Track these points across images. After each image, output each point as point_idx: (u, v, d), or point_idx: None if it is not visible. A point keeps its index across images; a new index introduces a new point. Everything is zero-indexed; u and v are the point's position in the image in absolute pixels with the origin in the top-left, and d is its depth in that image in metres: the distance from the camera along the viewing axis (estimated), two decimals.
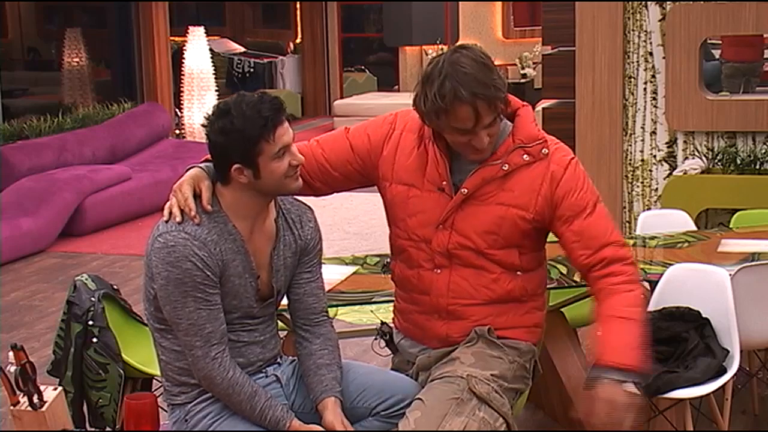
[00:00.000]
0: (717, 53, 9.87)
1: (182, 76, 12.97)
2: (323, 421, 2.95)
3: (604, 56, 6.37)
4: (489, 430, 2.88)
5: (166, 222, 2.89)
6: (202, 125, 2.92)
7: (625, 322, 2.90)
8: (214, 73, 13.11)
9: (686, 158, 6.32)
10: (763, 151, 6.14)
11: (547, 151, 2.99)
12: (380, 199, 3.19)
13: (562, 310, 4.20)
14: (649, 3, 6.31)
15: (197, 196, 2.90)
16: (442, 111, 2.84)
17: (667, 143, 6.38)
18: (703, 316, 3.79)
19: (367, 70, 18.06)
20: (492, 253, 2.99)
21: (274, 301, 3.08)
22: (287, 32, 18.31)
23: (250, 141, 2.81)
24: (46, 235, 8.43)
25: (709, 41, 7.02)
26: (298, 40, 17.71)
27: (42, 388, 3.05)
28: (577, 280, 3.98)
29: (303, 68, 17.17)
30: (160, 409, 3.26)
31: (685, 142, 6.33)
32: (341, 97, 16.65)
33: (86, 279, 3.87)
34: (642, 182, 6.45)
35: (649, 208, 6.34)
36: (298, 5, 17.63)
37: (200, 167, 2.96)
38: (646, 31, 6.33)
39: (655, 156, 6.42)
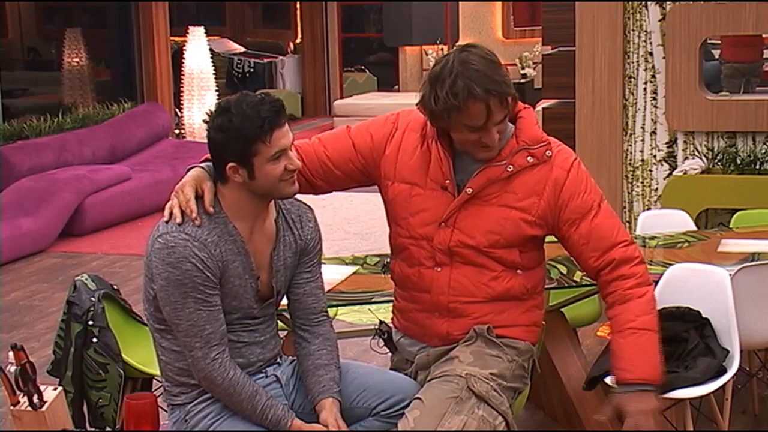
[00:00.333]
0: (717, 53, 9.87)
1: (182, 76, 12.98)
2: (319, 420, 2.96)
3: (604, 56, 6.37)
4: (488, 428, 2.88)
5: (167, 222, 2.88)
6: (204, 121, 2.91)
7: (643, 333, 2.99)
8: (214, 73, 13.11)
9: (686, 158, 6.32)
10: (763, 151, 6.14)
11: (550, 153, 3.01)
12: (380, 199, 3.20)
13: (562, 310, 4.20)
14: (649, 3, 6.31)
15: (199, 198, 2.90)
16: (454, 109, 2.86)
17: (667, 143, 6.38)
18: (703, 316, 3.79)
19: (367, 70, 18.07)
20: (493, 252, 3.00)
21: (274, 302, 3.08)
22: (287, 32, 18.31)
23: (247, 140, 2.80)
24: (46, 235, 8.43)
25: (708, 41, 7.02)
26: (298, 40, 17.71)
27: (42, 388, 3.06)
28: (577, 280, 3.99)
29: (303, 68, 17.17)
30: (160, 409, 3.26)
31: (685, 142, 6.33)
32: (341, 97, 16.65)
33: (86, 279, 3.87)
34: (642, 182, 6.45)
35: (649, 208, 6.34)
36: (298, 5, 17.64)
37: (202, 167, 2.96)
38: (646, 31, 6.33)
39: (655, 156, 6.42)
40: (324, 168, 3.16)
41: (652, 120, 6.38)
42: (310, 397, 3.03)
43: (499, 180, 2.99)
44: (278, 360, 3.12)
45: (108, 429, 3.80)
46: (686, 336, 3.73)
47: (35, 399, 3.02)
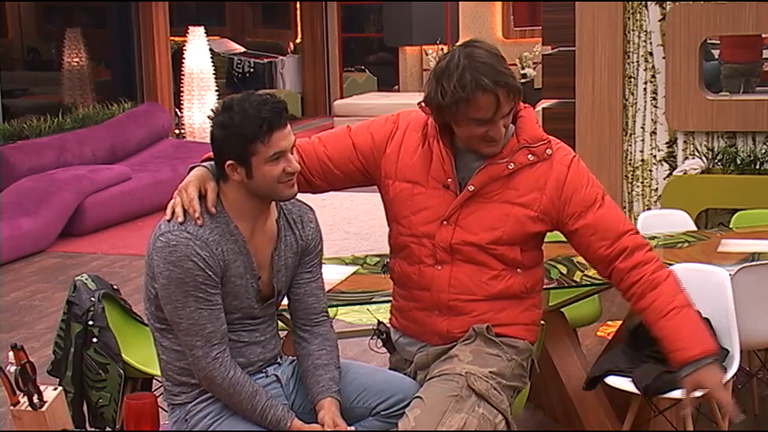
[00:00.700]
0: (716, 53, 9.87)
1: (182, 76, 12.98)
2: (317, 420, 2.96)
3: (604, 56, 6.37)
4: (488, 426, 2.89)
5: (168, 221, 2.88)
6: (208, 117, 2.92)
7: (687, 311, 3.00)
8: (214, 73, 13.11)
9: (686, 158, 6.33)
10: (763, 151, 6.15)
11: (550, 151, 3.03)
12: (380, 199, 3.20)
13: (562, 310, 4.20)
14: (649, 3, 6.31)
15: (202, 198, 2.91)
16: (463, 101, 2.87)
17: (667, 143, 6.38)
18: (703, 316, 3.78)
19: (367, 70, 18.07)
20: (494, 249, 3.01)
21: (275, 302, 3.08)
22: (287, 32, 18.32)
23: (245, 139, 2.80)
24: (46, 235, 8.44)
25: (708, 41, 7.02)
26: (298, 40, 17.71)
27: (42, 388, 3.05)
28: (577, 280, 3.99)
29: (303, 68, 17.17)
30: (160, 409, 3.26)
31: (685, 142, 6.33)
32: (341, 97, 16.65)
33: (86, 279, 3.87)
34: (642, 182, 6.45)
35: (649, 208, 6.35)
36: (298, 5, 17.64)
37: (204, 167, 2.96)
38: (646, 31, 6.33)
39: (655, 156, 6.42)
40: (324, 168, 3.16)
41: (652, 120, 6.39)
42: (310, 397, 3.03)
43: (500, 177, 3.00)
44: (278, 360, 3.12)
45: (108, 429, 3.80)
46: None
47: (35, 399, 3.02)
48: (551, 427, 4.45)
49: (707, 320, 3.76)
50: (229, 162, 2.85)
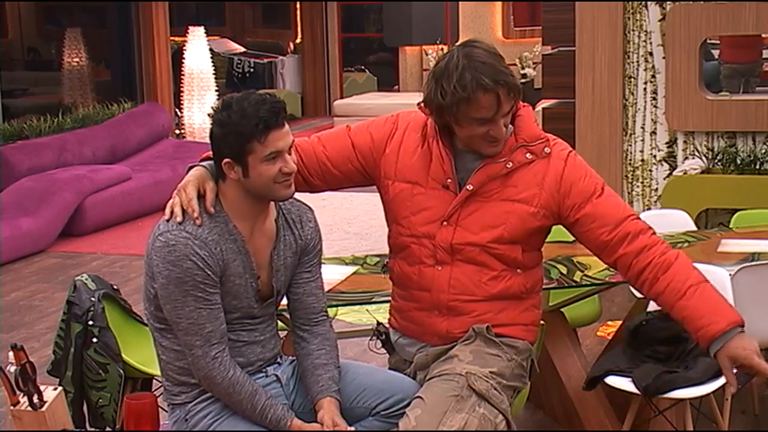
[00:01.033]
0: (716, 53, 9.87)
1: (182, 76, 12.98)
2: (317, 419, 2.96)
3: (604, 56, 6.37)
4: (489, 426, 2.89)
5: (167, 221, 2.89)
6: (208, 115, 2.92)
7: (704, 286, 2.93)
8: (214, 73, 13.11)
9: (686, 158, 6.33)
10: (763, 151, 6.15)
11: (549, 150, 3.03)
12: (380, 199, 3.20)
13: (562, 310, 4.20)
14: (649, 3, 6.31)
15: (201, 197, 2.91)
16: (463, 101, 2.87)
17: (667, 143, 6.38)
18: None
19: (367, 70, 18.07)
20: (495, 248, 3.01)
21: (274, 301, 3.08)
22: (287, 32, 18.32)
23: (242, 138, 2.81)
24: (46, 235, 8.43)
25: (708, 41, 7.02)
26: (298, 40, 17.71)
27: (42, 388, 3.06)
28: (577, 280, 3.99)
29: (303, 68, 17.17)
30: (160, 409, 3.26)
31: (685, 142, 6.33)
32: (341, 97, 16.65)
33: (86, 279, 3.87)
34: (642, 182, 6.45)
35: (649, 208, 6.34)
36: (298, 5, 17.64)
37: (203, 166, 2.97)
38: (646, 31, 6.33)
39: (655, 156, 6.42)
40: (322, 167, 3.16)
41: (652, 120, 6.39)
42: (310, 397, 3.03)
43: (498, 176, 3.00)
44: (278, 360, 3.12)
45: (108, 429, 3.80)
46: (686, 336, 3.73)
47: (35, 399, 3.02)
48: (551, 427, 4.45)
49: None
50: (226, 160, 2.85)
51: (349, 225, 9.03)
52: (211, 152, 2.94)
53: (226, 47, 16.70)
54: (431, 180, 3.04)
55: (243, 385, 2.91)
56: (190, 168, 3.00)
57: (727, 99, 6.57)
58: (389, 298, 3.32)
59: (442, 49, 15.15)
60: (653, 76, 6.35)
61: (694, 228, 5.09)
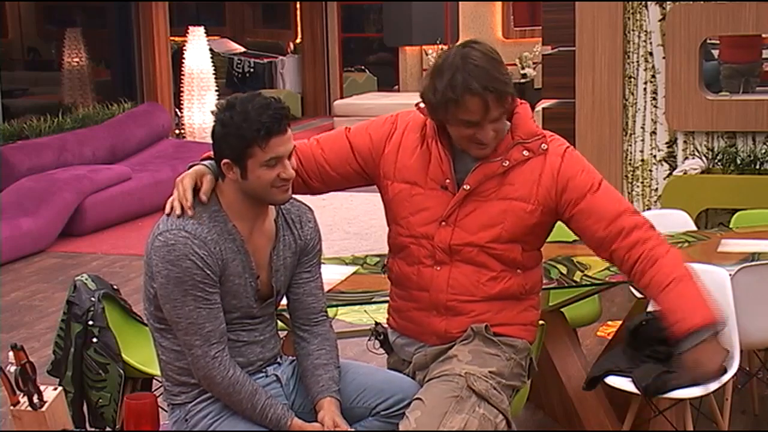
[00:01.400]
0: (716, 53, 9.87)
1: (182, 76, 12.97)
2: (317, 419, 2.96)
3: (604, 56, 6.38)
4: (489, 426, 2.89)
5: (167, 218, 2.89)
6: (212, 112, 2.91)
7: (686, 282, 2.93)
8: (214, 73, 13.11)
9: (686, 158, 6.33)
10: (763, 151, 6.15)
11: (546, 146, 3.03)
12: (380, 199, 3.20)
13: (562, 310, 4.20)
14: (649, 3, 6.31)
15: (197, 190, 2.91)
16: (452, 102, 2.87)
17: (667, 143, 6.39)
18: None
19: (367, 70, 18.06)
20: (494, 248, 3.00)
21: (274, 301, 3.08)
22: (287, 32, 18.31)
23: (243, 141, 2.81)
24: (46, 235, 8.43)
25: (708, 41, 7.02)
26: (298, 40, 17.71)
27: (42, 388, 3.05)
28: (577, 280, 3.99)
29: (303, 68, 17.17)
30: (160, 409, 3.26)
31: (685, 142, 6.33)
32: (341, 97, 16.64)
33: (86, 279, 3.87)
34: (642, 182, 6.45)
35: (649, 208, 6.34)
36: (298, 5, 17.63)
37: (204, 164, 2.97)
38: (646, 31, 6.33)
39: (655, 156, 6.42)
40: (321, 170, 3.17)
41: (652, 120, 6.39)
42: (310, 397, 3.03)
43: (495, 175, 3.00)
44: (278, 360, 3.12)
45: (108, 429, 3.80)
46: None
47: (35, 399, 3.02)
48: (551, 427, 4.45)
49: None
50: (225, 160, 2.85)
51: (349, 225, 9.03)
52: (212, 151, 2.94)
53: (226, 47, 16.69)
54: (430, 180, 3.04)
55: (243, 385, 2.91)
56: (191, 167, 3.00)
57: (727, 99, 6.57)
58: (389, 298, 3.32)
59: (441, 49, 15.14)
60: (653, 76, 6.35)
61: (694, 228, 5.09)
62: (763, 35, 8.93)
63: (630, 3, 6.33)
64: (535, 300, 3.16)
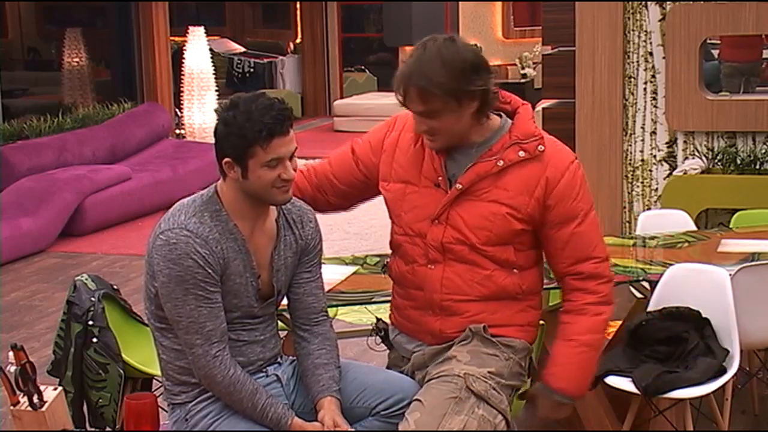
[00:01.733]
0: (716, 53, 9.87)
1: (182, 76, 12.97)
2: (317, 419, 2.96)
3: (604, 56, 6.37)
4: (488, 427, 2.89)
5: (168, 220, 2.89)
6: (215, 110, 2.92)
7: (587, 351, 3.07)
8: (214, 73, 13.10)
9: (686, 158, 6.33)
10: (763, 151, 6.14)
11: (543, 147, 3.00)
12: (380, 199, 3.23)
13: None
14: (649, 3, 6.31)
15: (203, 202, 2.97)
16: (399, 87, 2.94)
17: (667, 143, 6.38)
18: (703, 316, 3.79)
19: (367, 70, 18.06)
20: (485, 249, 3.00)
21: (275, 301, 3.08)
22: (287, 32, 18.31)
23: (245, 141, 2.82)
24: (46, 235, 8.43)
25: (708, 41, 7.02)
26: (298, 40, 17.71)
27: (42, 388, 3.06)
28: None
29: (303, 68, 17.17)
30: (160, 409, 3.26)
31: (685, 142, 6.33)
32: (341, 97, 16.65)
33: (86, 279, 3.87)
34: (642, 182, 6.45)
35: (649, 208, 6.34)
36: (298, 5, 17.63)
37: None
38: (646, 31, 6.33)
39: (655, 156, 6.42)
40: (332, 185, 3.26)
41: (652, 120, 6.38)
42: (310, 397, 3.03)
43: (489, 175, 2.99)
44: (279, 359, 3.12)
45: (108, 429, 3.80)
46: (686, 336, 3.74)
47: (35, 399, 3.02)
48: (551, 427, 4.45)
49: (707, 320, 3.77)
50: (226, 159, 2.86)
51: (349, 225, 9.03)
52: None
53: (226, 47, 16.69)
54: (423, 178, 3.05)
55: (243, 384, 2.91)
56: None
57: (727, 99, 6.57)
58: (389, 298, 3.33)
59: None
60: (653, 76, 6.34)
61: (694, 228, 5.09)
62: (764, 35, 8.93)
63: (630, 3, 6.33)
64: (534, 300, 3.15)
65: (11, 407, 3.04)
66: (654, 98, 6.36)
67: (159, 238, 2.87)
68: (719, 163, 6.22)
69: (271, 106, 2.82)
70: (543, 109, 6.71)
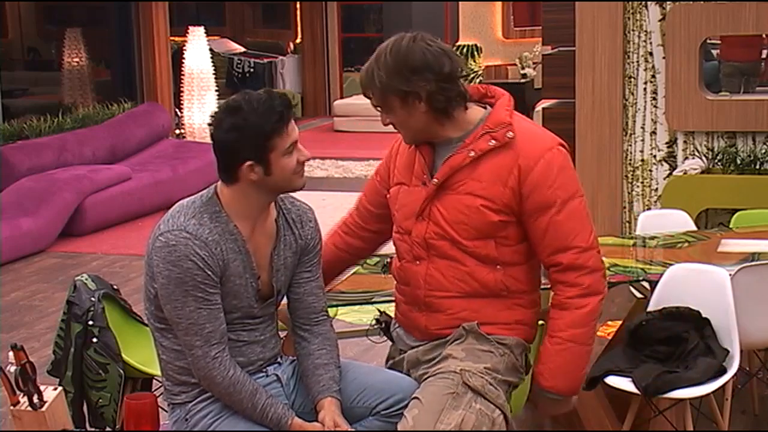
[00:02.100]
0: (716, 53, 9.87)
1: (182, 76, 12.97)
2: (318, 419, 2.96)
3: (604, 56, 6.37)
4: (486, 420, 2.90)
5: (168, 221, 2.89)
6: (209, 125, 2.91)
7: (571, 347, 3.03)
8: (214, 73, 13.11)
9: (686, 158, 6.33)
10: (763, 151, 6.14)
11: (512, 134, 2.96)
12: None
13: None
14: (649, 3, 6.31)
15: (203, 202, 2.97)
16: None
17: (667, 143, 6.38)
18: (703, 316, 3.79)
19: None
20: (466, 244, 3.00)
21: (275, 301, 3.08)
22: (287, 32, 18.31)
23: (264, 136, 2.84)
24: (46, 235, 8.43)
25: (708, 41, 7.02)
26: (298, 40, 17.71)
27: (42, 388, 3.06)
28: None
29: (303, 68, 17.17)
30: (160, 409, 3.26)
31: (685, 142, 6.33)
32: (341, 97, 16.65)
33: (86, 279, 3.87)
34: (642, 182, 6.45)
35: (649, 208, 6.34)
36: (298, 5, 17.63)
37: None
38: (646, 31, 6.33)
39: (655, 156, 6.42)
40: (369, 212, 3.32)
41: (652, 120, 6.38)
42: (310, 397, 3.03)
43: (463, 167, 2.98)
44: (278, 359, 3.13)
45: (108, 429, 3.80)
46: (686, 336, 3.74)
47: (35, 399, 3.02)
48: (551, 427, 4.45)
49: (707, 320, 3.77)
50: (247, 163, 2.85)
51: None
52: (218, 160, 2.93)
53: (226, 47, 16.69)
54: (414, 178, 3.09)
55: (243, 385, 2.91)
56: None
57: (727, 99, 6.57)
58: (389, 298, 3.35)
59: None
60: (653, 76, 6.34)
61: (694, 228, 5.09)
62: (764, 35, 8.93)
63: (630, 3, 6.33)
64: (523, 299, 3.09)
65: (11, 407, 3.04)
66: (654, 98, 6.36)
67: (158, 240, 2.87)
68: (719, 163, 6.22)
69: (271, 97, 2.88)
70: (543, 109, 6.71)
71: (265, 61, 16.89)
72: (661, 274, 3.96)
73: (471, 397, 2.92)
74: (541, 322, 3.29)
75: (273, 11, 19.39)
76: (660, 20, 6.28)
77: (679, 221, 5.03)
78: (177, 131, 12.81)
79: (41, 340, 5.92)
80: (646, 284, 4.22)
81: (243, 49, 17.06)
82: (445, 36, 16.04)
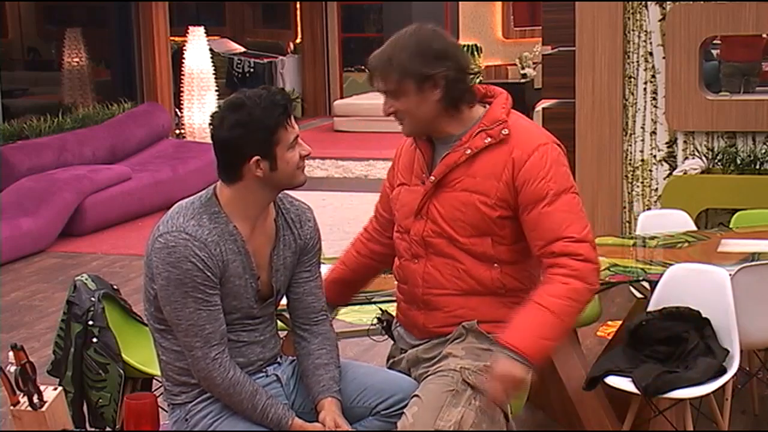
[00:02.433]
0: (716, 53, 9.87)
1: (182, 76, 12.97)
2: (319, 419, 2.96)
3: (604, 56, 6.37)
4: (486, 418, 2.90)
5: (167, 222, 2.89)
6: (210, 124, 2.91)
7: (542, 310, 2.88)
8: (214, 73, 13.10)
9: (686, 158, 6.33)
10: (763, 151, 6.15)
11: (507, 131, 2.98)
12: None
13: None
14: (649, 3, 6.31)
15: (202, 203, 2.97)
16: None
17: (667, 143, 6.38)
18: (703, 316, 3.79)
19: (367, 70, 18.02)
20: (463, 242, 3.00)
21: (274, 301, 3.08)
22: (287, 32, 18.31)
23: (269, 130, 2.85)
24: (46, 235, 8.43)
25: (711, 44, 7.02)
26: (298, 40, 17.71)
27: (42, 388, 3.05)
28: None
29: (303, 68, 17.17)
30: (160, 409, 3.26)
31: (685, 142, 6.33)
32: (341, 97, 16.65)
33: (86, 279, 3.87)
34: (642, 182, 6.45)
35: (649, 208, 6.34)
36: (298, 5, 17.63)
37: None
38: (646, 31, 6.33)
39: (655, 156, 6.42)
40: (385, 221, 3.30)
41: (652, 120, 6.39)
42: (311, 397, 3.03)
43: (459, 165, 3.00)
44: (278, 360, 3.13)
45: (108, 429, 3.80)
46: (686, 336, 3.74)
47: (35, 399, 3.02)
48: (551, 427, 4.45)
49: (707, 320, 3.77)
50: (254, 158, 2.86)
51: (349, 225, 9.02)
52: (220, 159, 2.93)
53: (226, 47, 16.69)
54: (414, 177, 3.10)
55: (243, 385, 2.91)
56: None
57: (727, 99, 6.57)
58: (389, 298, 3.36)
59: None
60: (653, 76, 6.35)
61: (694, 228, 5.09)
62: (764, 35, 8.94)
63: (630, 3, 6.33)
64: (521, 297, 3.03)
65: (11, 407, 3.04)
66: (654, 98, 6.36)
67: (158, 241, 2.87)
68: (719, 163, 6.22)
69: (271, 92, 2.89)
70: (543, 109, 6.71)
71: (265, 61, 16.89)
72: (661, 274, 3.96)
73: (471, 395, 2.92)
74: None
75: (273, 11, 19.40)
76: (660, 20, 6.28)
77: (679, 221, 5.04)
78: (177, 131, 12.81)
79: (41, 340, 5.92)
80: (646, 284, 4.22)
81: (243, 49, 17.06)
82: None
